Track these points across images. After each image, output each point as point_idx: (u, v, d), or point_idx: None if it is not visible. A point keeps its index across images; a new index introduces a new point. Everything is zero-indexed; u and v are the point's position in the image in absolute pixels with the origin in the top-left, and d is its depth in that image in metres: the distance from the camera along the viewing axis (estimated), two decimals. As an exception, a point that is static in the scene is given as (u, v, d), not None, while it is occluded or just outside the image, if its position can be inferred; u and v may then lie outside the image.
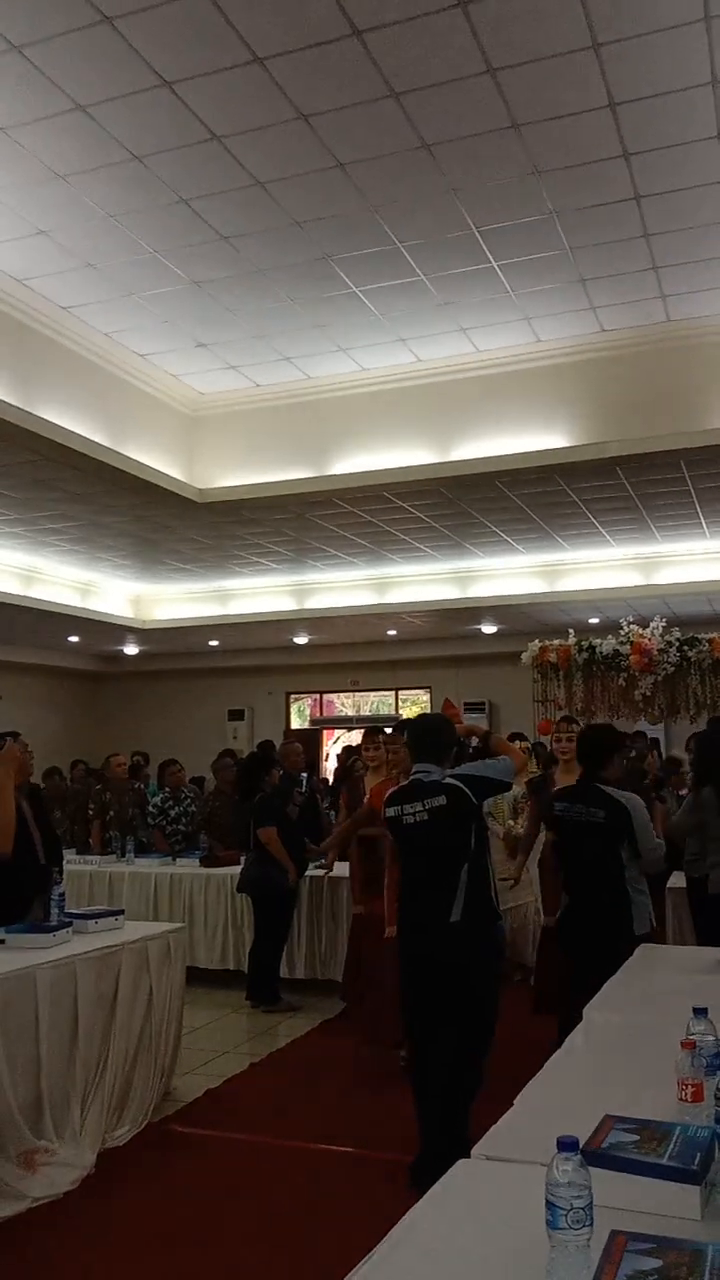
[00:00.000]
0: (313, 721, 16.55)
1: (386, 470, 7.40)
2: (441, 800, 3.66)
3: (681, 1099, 1.97)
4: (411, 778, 3.86)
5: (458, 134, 4.57)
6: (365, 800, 5.85)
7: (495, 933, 3.80)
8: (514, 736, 8.61)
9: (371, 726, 6.92)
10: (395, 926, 4.96)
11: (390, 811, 3.86)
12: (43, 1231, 3.43)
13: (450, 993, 3.64)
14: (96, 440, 6.76)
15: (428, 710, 14.26)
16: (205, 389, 7.72)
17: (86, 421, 6.70)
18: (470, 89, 4.24)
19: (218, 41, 3.94)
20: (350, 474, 7.51)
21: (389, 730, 6.35)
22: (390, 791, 4.00)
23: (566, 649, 7.86)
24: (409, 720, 4.11)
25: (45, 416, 6.30)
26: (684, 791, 7.12)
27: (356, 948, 5.85)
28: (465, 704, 14.15)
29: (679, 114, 4.45)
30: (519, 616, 12.20)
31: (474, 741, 4.52)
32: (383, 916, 5.18)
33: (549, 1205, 1.41)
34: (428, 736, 3.94)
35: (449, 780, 3.71)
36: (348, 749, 9.24)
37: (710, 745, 5.50)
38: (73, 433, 6.53)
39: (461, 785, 3.69)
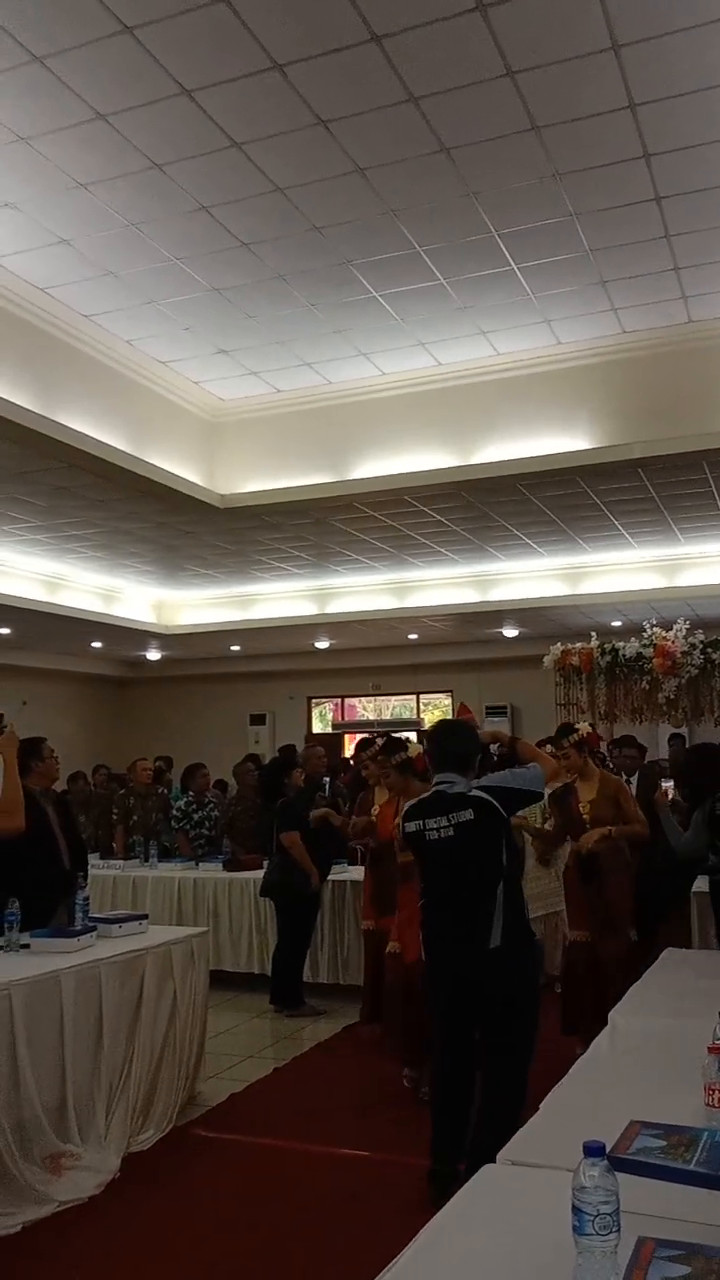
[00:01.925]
0: (334, 726, 16.56)
1: (407, 474, 7.39)
2: (468, 815, 3.46)
3: (708, 1104, 1.96)
4: (433, 789, 3.65)
5: (477, 137, 4.57)
6: (372, 816, 5.75)
7: (534, 952, 3.68)
8: (543, 744, 8.46)
9: (364, 739, 6.87)
10: (399, 943, 4.92)
11: (410, 826, 3.63)
12: (68, 1235, 3.44)
13: (491, 1017, 3.52)
14: (118, 447, 6.80)
15: (449, 715, 14.23)
16: (226, 395, 7.75)
17: (108, 428, 6.74)
18: (489, 92, 4.24)
19: (237, 49, 3.96)
20: (371, 478, 7.51)
21: (379, 741, 6.28)
22: (409, 804, 3.78)
23: (589, 652, 7.82)
24: (429, 729, 3.93)
25: (67, 424, 6.34)
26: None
27: (372, 963, 5.70)
28: (487, 708, 14.15)
29: (699, 114, 4.43)
30: (540, 620, 12.17)
31: (497, 748, 4.41)
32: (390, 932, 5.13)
33: (575, 1211, 1.41)
34: (450, 744, 3.70)
35: (475, 793, 3.50)
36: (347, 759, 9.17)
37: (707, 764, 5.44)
38: (94, 439, 6.57)
39: (489, 798, 3.47)
